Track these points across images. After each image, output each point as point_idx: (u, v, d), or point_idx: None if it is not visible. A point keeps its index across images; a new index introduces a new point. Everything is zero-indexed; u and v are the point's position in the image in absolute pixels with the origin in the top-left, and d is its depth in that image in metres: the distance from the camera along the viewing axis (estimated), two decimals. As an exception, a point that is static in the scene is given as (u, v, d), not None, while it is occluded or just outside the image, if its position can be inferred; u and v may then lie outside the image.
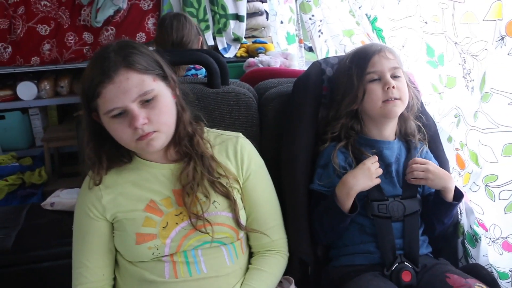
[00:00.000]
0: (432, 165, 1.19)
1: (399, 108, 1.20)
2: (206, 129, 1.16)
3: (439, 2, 1.12)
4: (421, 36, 1.29)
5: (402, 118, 1.27)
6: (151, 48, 1.09)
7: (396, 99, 1.18)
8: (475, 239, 1.26)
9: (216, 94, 1.36)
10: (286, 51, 2.86)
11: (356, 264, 1.19)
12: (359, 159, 1.20)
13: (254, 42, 3.04)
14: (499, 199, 1.09)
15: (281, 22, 3.03)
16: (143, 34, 2.91)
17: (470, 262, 1.29)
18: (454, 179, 1.23)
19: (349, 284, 1.12)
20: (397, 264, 1.16)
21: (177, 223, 1.06)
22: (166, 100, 1.03)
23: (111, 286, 1.11)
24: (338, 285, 1.17)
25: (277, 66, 2.43)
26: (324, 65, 1.34)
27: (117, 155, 1.09)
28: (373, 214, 1.18)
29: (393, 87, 1.17)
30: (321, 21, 2.10)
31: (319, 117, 1.32)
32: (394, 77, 1.20)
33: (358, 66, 1.21)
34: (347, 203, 1.14)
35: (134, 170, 1.10)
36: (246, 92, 1.39)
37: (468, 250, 1.29)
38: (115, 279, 1.12)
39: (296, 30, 2.92)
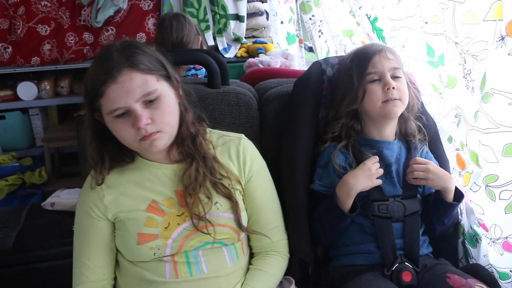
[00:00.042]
0: (433, 165, 1.19)
1: (399, 108, 1.20)
2: (208, 129, 1.17)
3: (439, 2, 1.12)
4: (422, 36, 1.29)
5: (403, 119, 1.27)
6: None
7: (396, 99, 1.18)
8: (475, 239, 1.26)
9: (216, 94, 1.36)
10: (286, 51, 2.86)
11: (356, 264, 1.19)
12: (359, 159, 1.20)
13: (254, 42, 3.05)
14: (500, 199, 1.09)
15: (281, 22, 3.03)
16: (143, 34, 2.91)
17: (471, 262, 1.28)
18: (454, 179, 1.23)
19: (349, 284, 1.12)
20: (397, 264, 1.16)
21: (179, 224, 1.06)
22: (170, 101, 1.03)
23: (112, 286, 1.11)
24: (338, 285, 1.17)
25: (277, 66, 2.43)
26: (324, 65, 1.34)
27: (119, 155, 1.09)
28: (373, 214, 1.18)
29: (393, 87, 1.17)
30: (321, 21, 2.10)
31: (319, 117, 1.32)
32: (395, 77, 1.20)
33: (359, 66, 1.21)
34: (347, 203, 1.14)
35: (136, 170, 1.10)
36: (246, 92, 1.39)
37: (468, 250, 1.29)
38: (115, 278, 1.12)
39: (296, 30, 2.93)
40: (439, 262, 1.20)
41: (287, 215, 1.22)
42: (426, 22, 1.23)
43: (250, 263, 1.17)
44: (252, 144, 1.19)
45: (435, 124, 1.35)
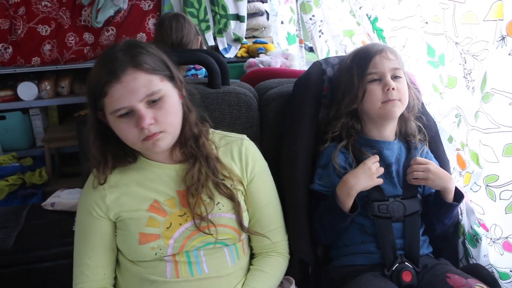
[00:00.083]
0: (433, 165, 1.19)
1: (398, 109, 1.20)
2: (211, 130, 1.17)
3: (439, 2, 1.12)
4: (422, 36, 1.29)
5: (403, 119, 1.27)
6: None
7: (395, 100, 1.18)
8: (475, 239, 1.26)
9: (216, 95, 1.36)
10: (287, 51, 2.86)
11: (357, 264, 1.19)
12: (359, 159, 1.20)
13: (254, 43, 3.05)
14: (500, 199, 1.09)
15: (282, 23, 3.03)
16: (144, 34, 2.91)
17: (471, 262, 1.28)
18: (454, 179, 1.23)
19: (349, 284, 1.12)
20: (397, 264, 1.16)
21: (180, 224, 1.06)
22: (173, 101, 1.03)
23: (112, 285, 1.11)
24: (338, 285, 1.17)
25: (278, 66, 2.43)
26: (325, 65, 1.34)
27: (122, 155, 1.09)
28: (373, 214, 1.18)
29: (393, 88, 1.17)
30: (321, 21, 2.10)
31: (319, 117, 1.32)
32: (395, 78, 1.20)
33: (359, 66, 1.21)
34: (348, 203, 1.14)
35: (138, 170, 1.10)
36: (247, 92, 1.39)
37: (468, 250, 1.29)
38: (115, 278, 1.12)
39: (296, 30, 2.93)
40: (439, 262, 1.20)
41: (287, 215, 1.22)
42: (427, 22, 1.23)
43: (250, 263, 1.17)
44: (254, 145, 1.19)
45: (436, 124, 1.35)
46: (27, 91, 2.90)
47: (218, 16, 2.99)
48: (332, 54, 2.05)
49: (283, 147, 1.31)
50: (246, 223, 1.11)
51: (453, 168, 1.32)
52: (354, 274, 1.15)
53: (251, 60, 2.51)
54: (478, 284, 1.06)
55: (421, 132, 1.29)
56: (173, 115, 1.03)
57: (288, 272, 1.19)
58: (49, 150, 2.87)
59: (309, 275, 1.24)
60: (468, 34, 1.06)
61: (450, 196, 1.18)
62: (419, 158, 1.20)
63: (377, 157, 1.18)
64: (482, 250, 1.23)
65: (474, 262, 1.27)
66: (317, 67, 1.34)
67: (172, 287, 1.05)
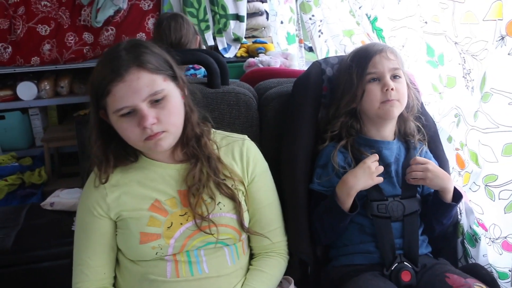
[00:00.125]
0: (432, 164, 1.19)
1: (397, 109, 1.20)
2: (212, 130, 1.17)
3: (439, 2, 1.12)
4: (421, 36, 1.29)
5: (402, 119, 1.27)
6: None
7: (394, 100, 1.18)
8: (474, 239, 1.26)
9: (216, 94, 1.36)
10: (286, 51, 2.86)
11: (356, 264, 1.19)
12: (358, 159, 1.20)
13: (254, 42, 3.05)
14: (499, 199, 1.09)
15: (281, 22, 3.03)
16: (143, 34, 2.91)
17: (470, 262, 1.28)
18: (454, 179, 1.24)
19: (348, 284, 1.12)
20: (396, 264, 1.16)
21: (181, 224, 1.06)
22: (176, 101, 1.03)
23: (112, 285, 1.11)
24: (337, 285, 1.16)
25: (277, 66, 2.43)
26: (324, 65, 1.34)
27: (123, 154, 1.09)
28: (372, 214, 1.18)
29: (392, 89, 1.17)
30: (321, 21, 2.10)
31: (319, 117, 1.32)
32: (394, 78, 1.20)
33: (359, 65, 1.21)
34: (348, 202, 1.14)
35: (140, 169, 1.10)
36: (246, 92, 1.39)
37: (467, 250, 1.29)
38: (115, 277, 1.12)
39: (296, 30, 2.93)
40: (438, 262, 1.20)
41: (287, 215, 1.22)
42: (426, 22, 1.24)
43: (250, 263, 1.17)
44: (255, 146, 1.19)
45: (435, 124, 1.35)
46: (26, 91, 2.90)
47: (217, 16, 2.99)
48: (332, 54, 2.05)
49: (283, 147, 1.31)
50: (246, 223, 1.12)
51: (452, 168, 1.32)
52: (353, 273, 1.15)
53: (250, 60, 2.51)
54: (477, 283, 1.06)
55: (420, 132, 1.29)
56: (176, 115, 1.03)
57: (287, 272, 1.19)
58: (48, 150, 2.87)
59: (309, 275, 1.24)
60: (468, 34, 1.06)
61: (449, 196, 1.18)
62: (418, 158, 1.20)
63: (376, 156, 1.18)
64: (481, 250, 1.23)
65: (473, 261, 1.27)
66: (317, 67, 1.34)
67: (172, 286, 1.05)
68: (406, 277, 1.14)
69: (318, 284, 1.25)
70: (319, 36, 2.11)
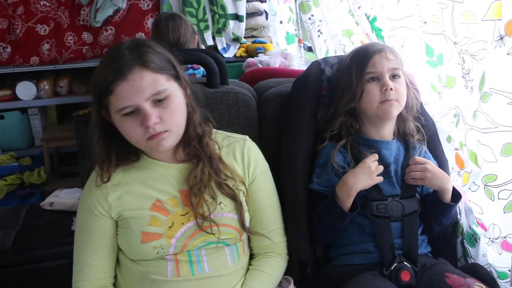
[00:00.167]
0: (431, 164, 1.19)
1: (396, 109, 1.20)
2: (214, 130, 1.17)
3: (438, 2, 1.12)
4: (420, 36, 1.29)
5: (401, 118, 1.27)
6: None
7: (392, 100, 1.18)
8: (474, 239, 1.26)
9: (215, 94, 1.36)
10: (286, 51, 2.86)
11: (355, 264, 1.19)
12: (357, 159, 1.20)
13: (253, 42, 3.05)
14: (498, 198, 1.09)
15: (281, 22, 3.03)
16: (143, 34, 2.91)
17: (469, 262, 1.29)
18: (453, 179, 1.24)
19: (348, 283, 1.12)
20: (396, 264, 1.16)
21: (183, 223, 1.06)
22: (178, 100, 1.03)
23: (112, 284, 1.11)
24: (337, 285, 1.17)
25: (277, 66, 2.43)
26: (323, 65, 1.34)
27: (125, 153, 1.09)
28: (372, 214, 1.18)
29: (391, 88, 1.17)
30: (320, 21, 2.10)
31: (318, 117, 1.32)
32: (394, 78, 1.20)
33: (358, 65, 1.21)
34: (348, 202, 1.14)
35: (141, 169, 1.10)
36: (245, 92, 1.39)
37: (467, 250, 1.29)
38: (115, 277, 1.12)
39: (295, 30, 2.92)
40: (438, 262, 1.20)
41: (287, 215, 1.22)
42: (425, 22, 1.24)
43: (249, 263, 1.17)
44: (256, 146, 1.19)
45: (434, 124, 1.35)
46: (25, 90, 2.90)
47: (217, 16, 2.99)
48: (331, 53, 2.05)
49: (282, 147, 1.31)
50: (247, 223, 1.12)
51: (452, 168, 1.32)
52: (353, 273, 1.15)
53: (250, 59, 2.51)
54: (477, 283, 1.06)
55: (420, 132, 1.29)
56: (178, 115, 1.03)
57: (287, 272, 1.19)
58: (47, 149, 2.87)
59: (308, 274, 1.24)
60: (467, 33, 1.06)
61: (448, 196, 1.18)
62: (417, 158, 1.20)
63: (376, 156, 1.18)
64: (481, 250, 1.23)
65: (473, 261, 1.27)
66: (316, 67, 1.34)
67: (173, 286, 1.05)
68: (405, 277, 1.14)
69: (317, 284, 1.25)
70: (319, 36, 2.11)
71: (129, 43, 1.02)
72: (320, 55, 2.11)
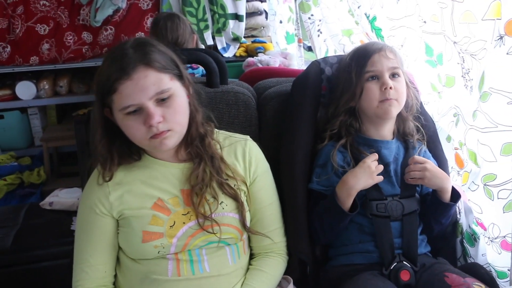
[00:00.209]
0: (430, 164, 1.19)
1: (395, 108, 1.20)
2: (215, 130, 1.17)
3: (438, 2, 1.12)
4: (420, 35, 1.29)
5: (401, 118, 1.27)
6: None
7: (392, 99, 1.18)
8: (473, 238, 1.26)
9: (215, 94, 1.36)
10: (285, 50, 2.86)
11: (355, 264, 1.19)
12: (357, 159, 1.20)
13: (253, 42, 3.05)
14: (498, 198, 1.09)
15: (280, 22, 3.03)
16: (142, 33, 2.91)
17: (469, 261, 1.28)
18: (453, 179, 1.24)
19: (347, 283, 1.11)
20: (395, 263, 1.16)
21: (184, 223, 1.06)
22: (181, 100, 1.03)
23: (112, 283, 1.11)
24: (336, 285, 1.16)
25: (276, 65, 2.43)
26: (323, 64, 1.34)
27: (127, 152, 1.09)
28: (371, 213, 1.18)
29: (390, 87, 1.17)
30: (320, 20, 2.09)
31: (318, 116, 1.32)
32: (393, 77, 1.20)
33: (358, 64, 1.21)
34: (348, 202, 1.14)
35: (143, 168, 1.10)
36: (245, 91, 1.39)
37: (466, 249, 1.29)
38: (115, 276, 1.12)
39: (295, 29, 2.92)
40: (437, 261, 1.20)
41: (286, 215, 1.22)
42: (425, 21, 1.24)
43: (249, 263, 1.17)
44: (257, 146, 1.19)
45: (434, 124, 1.35)
46: (25, 90, 2.89)
47: (217, 15, 2.99)
48: (331, 53, 2.04)
49: (282, 146, 1.31)
50: (248, 223, 1.12)
51: (451, 167, 1.32)
52: (352, 273, 1.15)
53: (249, 59, 2.51)
54: (476, 283, 1.06)
55: (419, 132, 1.29)
56: (181, 114, 1.03)
57: (286, 272, 1.19)
58: (47, 149, 2.87)
59: (308, 274, 1.24)
60: (467, 33, 1.07)
61: (447, 196, 1.18)
62: (416, 157, 1.20)
63: (376, 155, 1.18)
64: (480, 249, 1.23)
65: (472, 261, 1.27)
66: (316, 67, 1.34)
67: (173, 285, 1.05)
68: (405, 276, 1.14)
69: (317, 283, 1.25)
70: (318, 35, 2.11)
71: (132, 42, 1.02)
72: (319, 54, 2.11)
